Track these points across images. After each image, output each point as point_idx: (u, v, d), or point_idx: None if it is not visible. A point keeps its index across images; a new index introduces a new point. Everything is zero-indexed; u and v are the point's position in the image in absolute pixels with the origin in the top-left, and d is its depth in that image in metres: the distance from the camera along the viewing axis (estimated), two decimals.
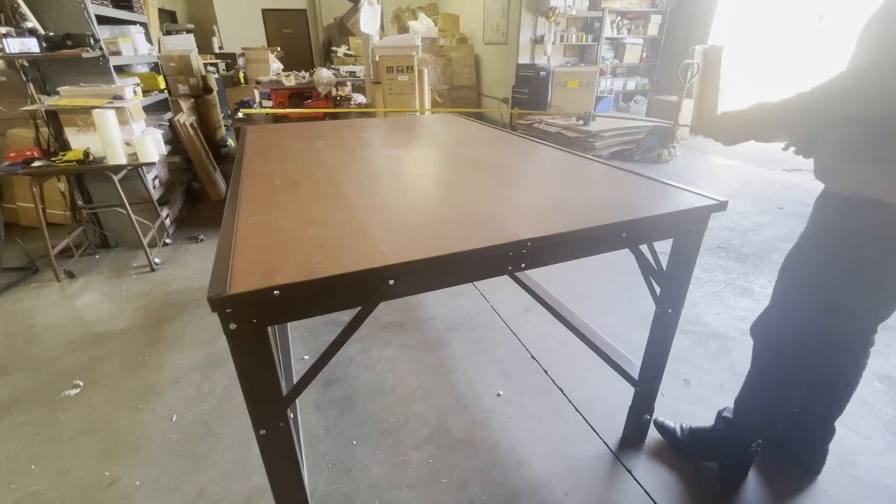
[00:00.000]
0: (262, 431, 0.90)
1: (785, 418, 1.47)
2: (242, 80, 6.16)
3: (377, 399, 1.86)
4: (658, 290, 1.36)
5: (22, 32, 2.56)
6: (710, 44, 6.45)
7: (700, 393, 1.88)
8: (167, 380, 1.98)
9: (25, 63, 2.73)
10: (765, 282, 2.71)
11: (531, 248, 0.98)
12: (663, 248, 1.25)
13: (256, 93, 5.32)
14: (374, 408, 1.82)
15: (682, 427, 1.60)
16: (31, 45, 2.57)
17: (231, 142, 5.77)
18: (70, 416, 1.80)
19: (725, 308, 2.46)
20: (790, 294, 1.23)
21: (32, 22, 2.63)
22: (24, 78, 2.76)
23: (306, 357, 2.12)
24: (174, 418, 1.78)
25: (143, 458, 1.60)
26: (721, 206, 1.19)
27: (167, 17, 8.86)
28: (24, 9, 2.60)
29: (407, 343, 2.21)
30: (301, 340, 2.23)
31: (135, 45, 3.28)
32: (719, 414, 1.53)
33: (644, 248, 1.29)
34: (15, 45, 2.52)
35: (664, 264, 1.33)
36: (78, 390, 1.92)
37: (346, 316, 2.31)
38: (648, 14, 7.00)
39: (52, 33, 2.68)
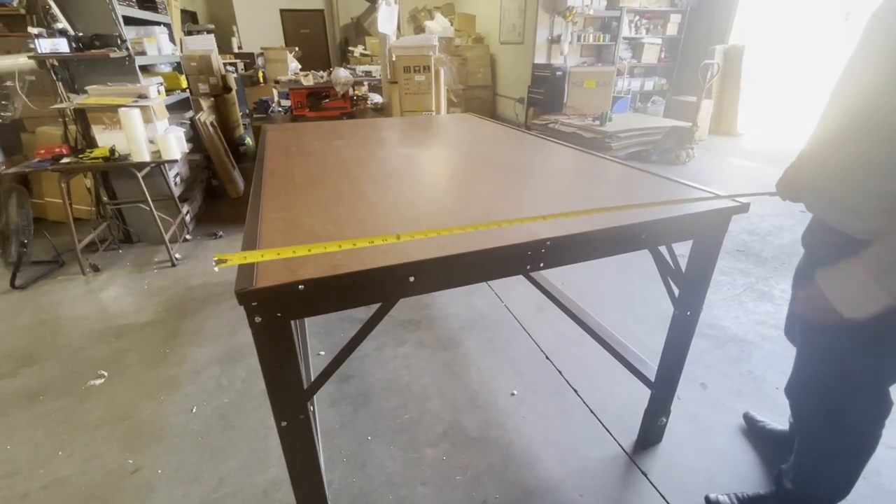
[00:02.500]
0: (284, 423, 0.92)
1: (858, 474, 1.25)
2: (261, 80, 6.25)
3: (392, 396, 1.88)
4: (676, 292, 1.35)
5: (53, 33, 2.65)
6: (730, 43, 6.36)
7: (717, 397, 1.85)
8: (187, 372, 2.02)
9: (55, 63, 2.81)
10: (785, 286, 2.65)
11: (550, 248, 0.98)
12: (681, 249, 1.24)
13: (275, 92, 5.39)
14: (388, 404, 1.84)
15: (738, 498, 1.41)
16: (62, 46, 2.65)
17: (249, 140, 5.86)
18: (95, 405, 1.85)
19: (744, 312, 2.42)
20: (828, 346, 1.12)
21: (63, 23, 2.72)
22: (54, 77, 2.84)
23: (322, 353, 2.15)
24: (194, 410, 1.82)
25: (164, 448, 1.65)
26: (743, 209, 1.18)
27: (188, 17, 9.03)
28: (55, 10, 2.69)
29: (421, 341, 2.22)
30: (317, 336, 2.26)
31: (159, 45, 3.36)
32: (778, 479, 1.38)
33: (662, 249, 1.28)
34: (46, 46, 2.60)
35: (682, 266, 1.32)
36: (102, 380, 1.98)
37: (360, 313, 2.34)
38: (667, 13, 6.91)
39: (81, 34, 2.76)
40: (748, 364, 2.04)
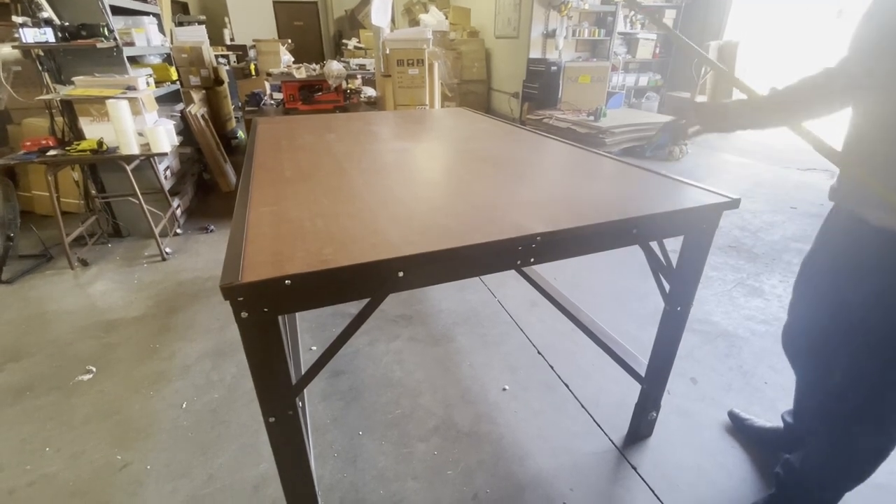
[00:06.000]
0: (272, 419, 0.92)
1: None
2: (253, 72, 6.17)
3: (383, 391, 1.88)
4: (667, 287, 1.36)
5: (38, 22, 2.59)
6: (724, 39, 6.36)
7: (707, 392, 1.87)
8: (177, 367, 2.01)
9: (41, 53, 2.76)
10: (775, 282, 2.68)
11: (541, 243, 0.97)
12: (673, 245, 1.24)
13: (267, 85, 5.33)
14: (380, 399, 1.84)
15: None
16: (47, 35, 2.60)
17: (241, 133, 5.79)
18: (83, 400, 1.83)
19: (735, 307, 2.44)
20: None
21: (48, 12, 2.66)
22: (40, 67, 2.79)
23: (314, 348, 2.14)
24: (184, 405, 1.81)
25: (153, 444, 1.63)
26: (734, 204, 1.18)
27: (179, 8, 8.88)
28: None
29: (413, 336, 2.22)
30: (309, 331, 2.25)
31: (148, 35, 3.30)
32: (777, 476, 1.38)
33: (654, 244, 1.28)
34: (31, 35, 2.55)
35: (674, 261, 1.32)
36: (91, 376, 1.96)
37: (353, 308, 2.33)
38: (662, 9, 6.90)
39: (67, 23, 2.71)
40: (738, 359, 2.06)
